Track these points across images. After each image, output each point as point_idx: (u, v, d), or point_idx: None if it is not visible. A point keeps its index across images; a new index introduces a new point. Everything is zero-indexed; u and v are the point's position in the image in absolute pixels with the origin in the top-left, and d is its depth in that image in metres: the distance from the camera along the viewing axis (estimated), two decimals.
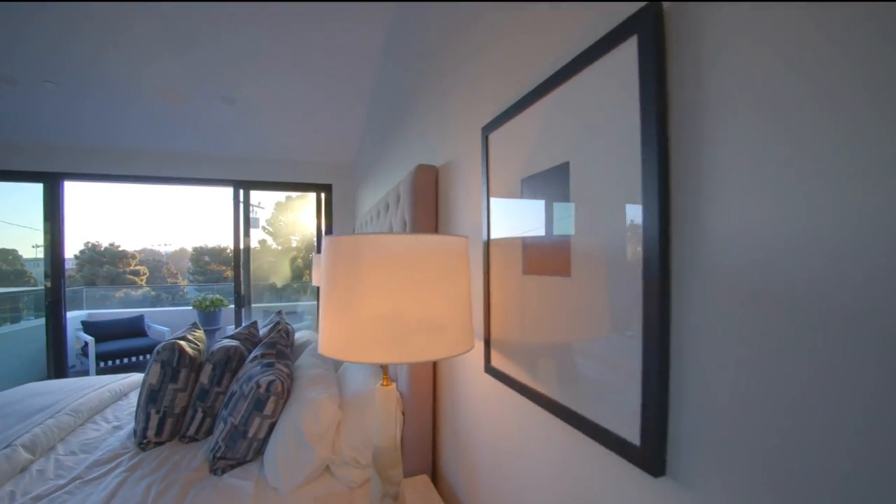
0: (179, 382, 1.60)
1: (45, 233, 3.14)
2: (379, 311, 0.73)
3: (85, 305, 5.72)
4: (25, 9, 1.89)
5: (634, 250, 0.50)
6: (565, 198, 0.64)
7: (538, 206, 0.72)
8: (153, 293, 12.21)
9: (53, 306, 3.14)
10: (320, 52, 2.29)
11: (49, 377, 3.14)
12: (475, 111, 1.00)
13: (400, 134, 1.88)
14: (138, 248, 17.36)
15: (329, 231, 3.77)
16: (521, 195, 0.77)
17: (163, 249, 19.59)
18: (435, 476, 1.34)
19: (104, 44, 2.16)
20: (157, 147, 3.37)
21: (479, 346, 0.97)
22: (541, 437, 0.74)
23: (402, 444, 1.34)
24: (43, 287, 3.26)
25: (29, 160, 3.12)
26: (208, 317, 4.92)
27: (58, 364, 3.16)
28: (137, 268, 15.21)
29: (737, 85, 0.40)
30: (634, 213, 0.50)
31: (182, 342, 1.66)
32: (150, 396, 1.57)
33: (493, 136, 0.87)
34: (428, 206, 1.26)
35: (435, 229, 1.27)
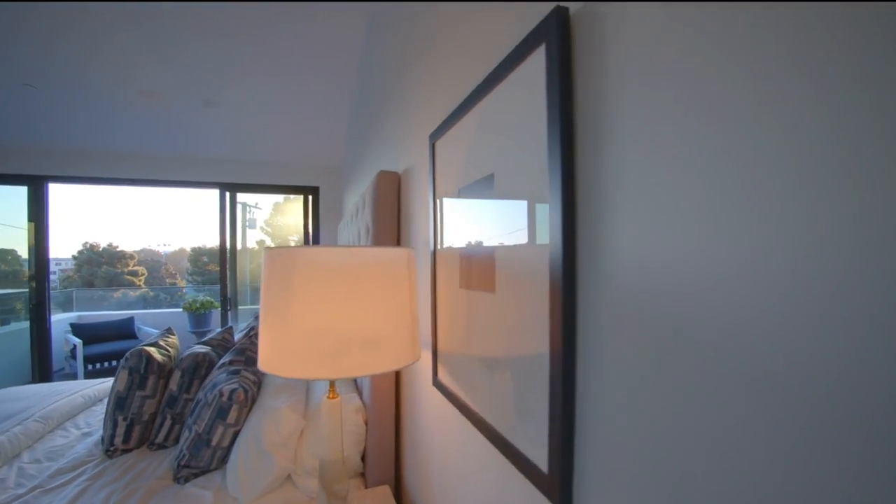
0: (147, 389, 1.59)
1: (29, 234, 3.14)
2: (310, 325, 0.71)
3: (76, 307, 5.71)
4: (8, 11, 1.88)
5: (545, 269, 0.48)
6: (491, 211, 0.62)
7: (469, 218, 0.70)
8: (151, 294, 12.20)
9: (37, 309, 3.13)
10: (302, 54, 2.27)
11: (33, 381, 3.13)
12: (426, 117, 0.98)
13: (372, 137, 1.87)
14: (138, 248, 17.39)
15: (316, 234, 3.76)
16: (458, 206, 0.75)
17: (162, 250, 19.61)
18: (399, 487, 1.32)
19: (85, 48, 2.15)
20: (142, 150, 3.36)
21: (430, 358, 0.95)
22: (478, 461, 0.72)
23: (364, 454, 1.33)
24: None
25: (13, 163, 3.11)
26: (199, 319, 4.91)
27: (42, 367, 3.15)
28: (136, 268, 15.22)
29: (635, 102, 0.38)
30: (545, 231, 0.48)
31: (151, 348, 1.65)
32: (118, 403, 1.56)
33: (439, 144, 0.85)
34: (390, 214, 1.24)
35: (397, 237, 1.25)
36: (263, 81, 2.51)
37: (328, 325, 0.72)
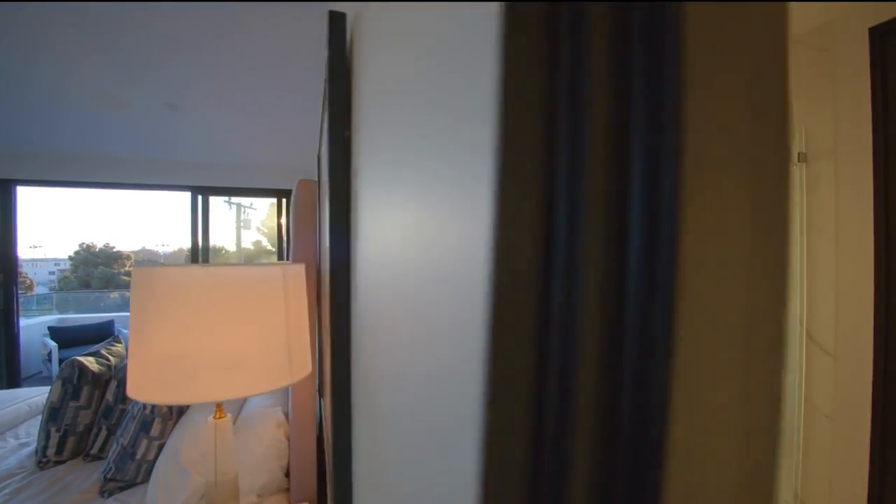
0: (82, 400, 1.56)
1: None
2: (163, 348, 0.68)
3: (56, 309, 5.69)
4: None
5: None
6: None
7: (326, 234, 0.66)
8: None
9: (4, 313, 3.12)
10: (270, 57, 2.22)
11: (1, 387, 3.12)
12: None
13: (320, 141, 1.83)
14: (136, 248, 17.42)
15: (289, 238, 3.73)
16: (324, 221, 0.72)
17: (161, 250, 19.63)
18: (323, 502, 1.29)
19: (55, 54, 2.12)
20: (113, 153, 3.34)
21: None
22: None
23: (287, 469, 1.29)
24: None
25: None
26: None
27: (10, 372, 3.13)
28: (133, 268, 15.22)
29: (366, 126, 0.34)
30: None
31: (87, 358, 1.62)
32: (51, 414, 1.53)
33: (322, 154, 0.82)
34: (308, 224, 1.20)
35: (317, 249, 1.21)
36: (232, 84, 2.48)
37: (186, 348, 0.69)
